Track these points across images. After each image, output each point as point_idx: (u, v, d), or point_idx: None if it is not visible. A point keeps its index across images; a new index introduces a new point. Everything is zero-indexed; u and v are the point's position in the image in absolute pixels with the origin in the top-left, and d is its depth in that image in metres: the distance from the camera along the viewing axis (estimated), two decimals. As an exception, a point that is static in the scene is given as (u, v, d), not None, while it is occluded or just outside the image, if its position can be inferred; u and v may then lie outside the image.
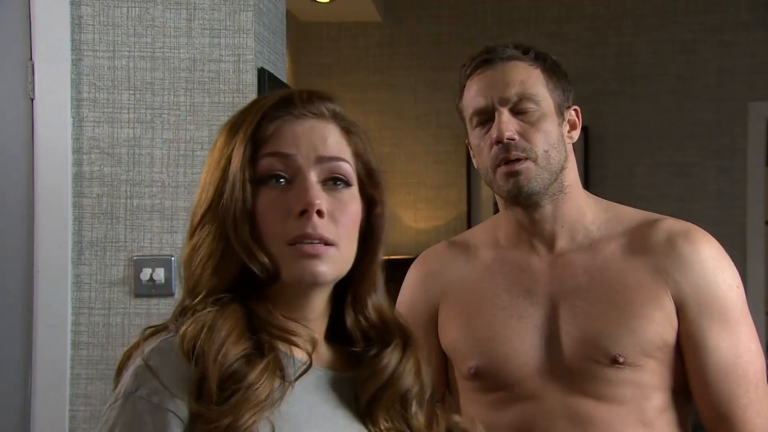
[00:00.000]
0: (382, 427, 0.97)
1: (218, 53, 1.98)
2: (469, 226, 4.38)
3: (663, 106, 4.44)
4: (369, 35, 4.62)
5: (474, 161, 1.48)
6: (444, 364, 1.50)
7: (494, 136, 1.37)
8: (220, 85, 1.98)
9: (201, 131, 1.99)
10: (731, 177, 4.40)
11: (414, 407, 1.00)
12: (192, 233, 0.98)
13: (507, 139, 1.36)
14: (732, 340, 1.36)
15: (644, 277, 1.37)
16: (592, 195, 1.47)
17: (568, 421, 1.35)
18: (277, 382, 0.92)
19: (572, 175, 1.43)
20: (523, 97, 1.37)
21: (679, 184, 4.41)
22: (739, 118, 4.38)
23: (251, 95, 1.98)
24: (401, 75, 4.61)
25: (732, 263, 1.41)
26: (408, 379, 1.00)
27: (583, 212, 1.43)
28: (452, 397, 1.51)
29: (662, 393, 1.37)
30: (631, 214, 1.45)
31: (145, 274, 1.98)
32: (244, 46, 1.97)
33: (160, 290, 1.99)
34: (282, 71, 2.22)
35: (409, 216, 4.58)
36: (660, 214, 1.47)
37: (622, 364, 1.33)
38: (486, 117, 1.39)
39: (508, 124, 1.36)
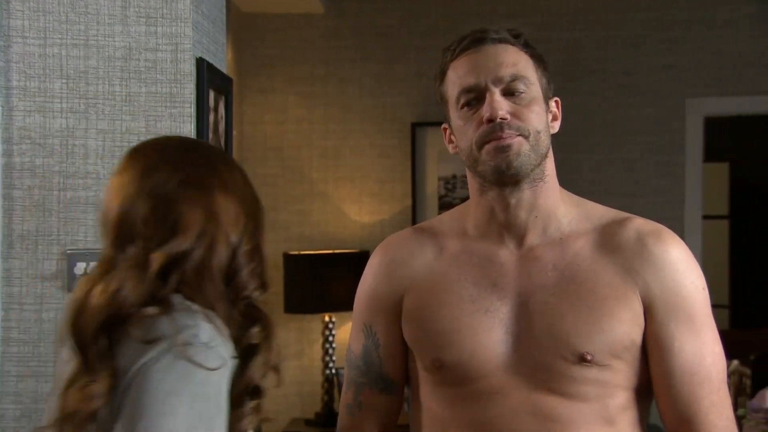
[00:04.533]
0: None
1: (155, 42, 1.93)
2: (414, 220, 4.38)
3: (608, 101, 4.49)
4: (313, 27, 4.58)
5: (450, 147, 1.45)
6: (405, 354, 1.47)
7: (486, 114, 1.34)
8: (157, 75, 1.93)
9: (137, 122, 1.94)
10: (671, 172, 4.48)
11: None
12: None
13: (500, 118, 1.33)
14: (697, 343, 1.37)
15: (614, 277, 1.36)
16: (563, 189, 1.46)
17: (531, 417, 1.34)
18: None
19: (551, 165, 1.42)
20: (516, 78, 1.35)
21: (623, 179, 4.48)
22: (678, 114, 4.47)
23: (189, 85, 1.94)
24: (347, 68, 4.59)
25: (698, 265, 1.42)
26: None
27: (557, 204, 1.42)
28: (411, 390, 1.50)
29: (625, 392, 1.37)
30: (601, 211, 1.44)
31: (80, 268, 1.93)
32: (182, 35, 1.93)
33: (95, 285, 1.93)
34: (222, 61, 2.18)
35: (354, 210, 4.56)
36: (607, 208, 1.47)
37: (589, 362, 1.33)
38: (474, 96, 1.36)
39: (501, 103, 1.34)
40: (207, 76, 1.97)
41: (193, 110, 1.94)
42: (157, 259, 1.19)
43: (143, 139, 1.93)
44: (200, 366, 1.14)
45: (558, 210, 1.42)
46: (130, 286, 1.18)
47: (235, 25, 4.43)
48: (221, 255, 1.23)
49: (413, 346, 1.44)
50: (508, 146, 1.34)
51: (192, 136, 1.93)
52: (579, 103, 4.40)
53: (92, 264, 1.93)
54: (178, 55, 1.93)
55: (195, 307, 1.19)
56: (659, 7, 4.50)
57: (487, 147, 1.35)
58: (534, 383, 1.35)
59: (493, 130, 1.34)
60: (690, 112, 4.46)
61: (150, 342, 1.14)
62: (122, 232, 1.23)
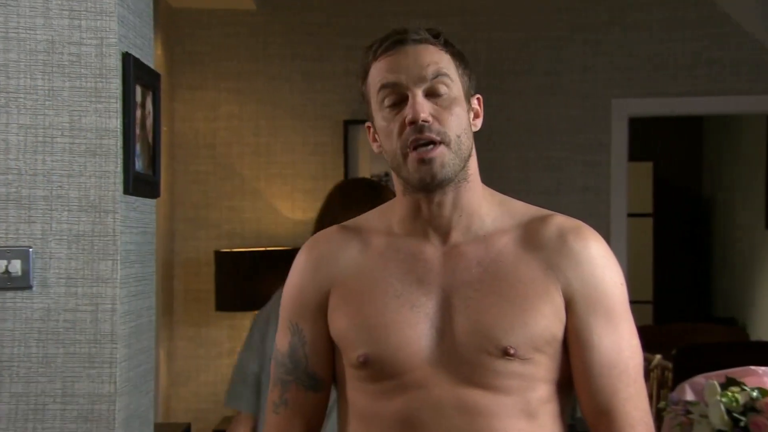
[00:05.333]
0: None
1: (79, 36, 1.89)
2: (346, 217, 4.39)
3: (532, 101, 4.58)
4: (242, 23, 4.56)
5: (374, 145, 1.46)
6: (332, 351, 1.49)
7: (408, 117, 1.35)
8: (82, 69, 1.90)
9: (61, 117, 1.90)
10: (596, 171, 4.59)
11: None
12: None
13: (422, 120, 1.34)
14: (615, 337, 1.41)
15: (536, 272, 1.40)
16: (486, 187, 1.49)
17: (455, 410, 1.37)
18: None
19: (474, 164, 1.44)
20: (438, 74, 1.37)
21: (548, 177, 4.57)
22: (603, 115, 4.58)
23: (115, 80, 1.91)
24: (276, 65, 4.57)
25: (617, 261, 1.47)
26: None
27: (480, 203, 1.44)
28: (338, 387, 1.51)
29: (547, 385, 1.41)
30: (523, 209, 1.48)
31: (0, 266, 1.88)
32: (107, 29, 1.90)
33: (17, 283, 1.89)
34: (149, 57, 2.16)
35: (287, 207, 4.55)
36: (529, 206, 1.50)
37: (512, 356, 1.36)
38: (397, 97, 1.38)
39: (423, 105, 1.35)
40: (133, 71, 1.94)
41: (119, 105, 1.91)
42: None
43: (67, 134, 1.90)
44: None
45: (481, 208, 1.44)
46: None
47: (165, 20, 4.37)
48: None
49: (339, 342, 1.46)
50: (431, 159, 1.35)
51: (118, 132, 1.91)
52: (504, 103, 4.49)
53: (13, 261, 1.89)
54: (103, 49, 1.90)
55: None
56: (577, 9, 4.60)
57: (412, 157, 1.37)
58: (458, 377, 1.38)
59: (414, 131, 1.35)
60: (615, 113, 4.58)
61: None
62: None
